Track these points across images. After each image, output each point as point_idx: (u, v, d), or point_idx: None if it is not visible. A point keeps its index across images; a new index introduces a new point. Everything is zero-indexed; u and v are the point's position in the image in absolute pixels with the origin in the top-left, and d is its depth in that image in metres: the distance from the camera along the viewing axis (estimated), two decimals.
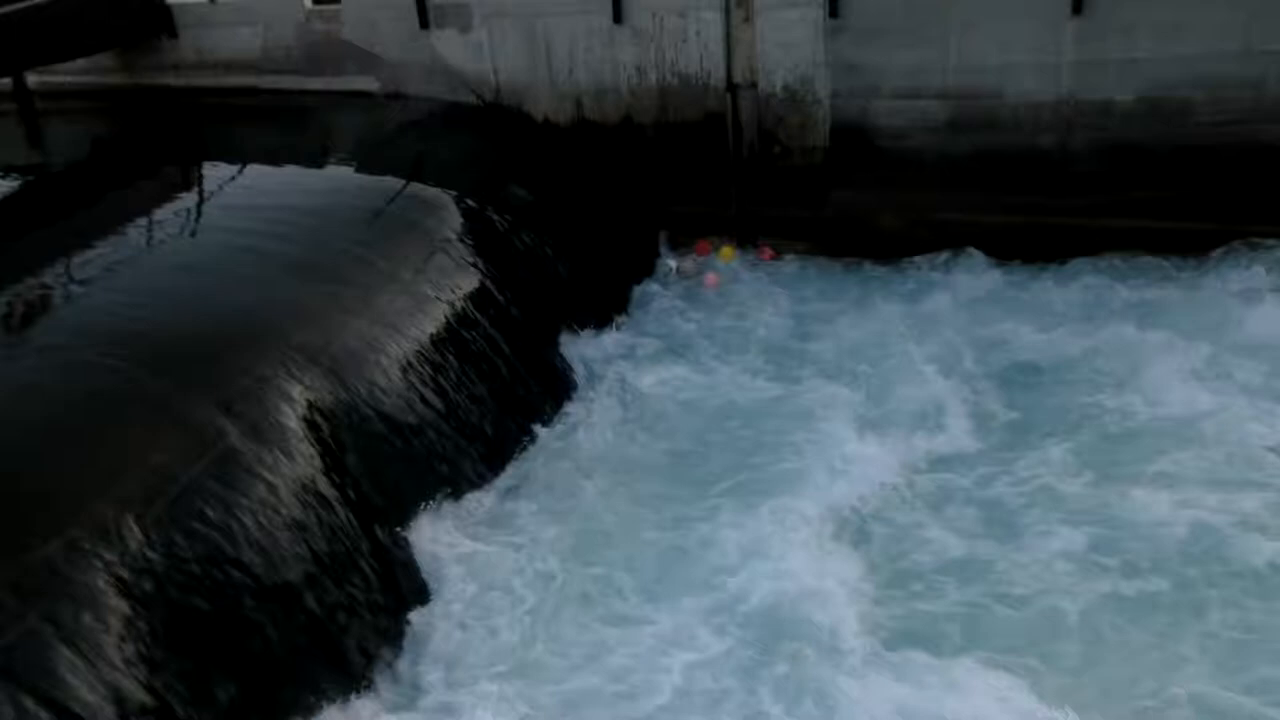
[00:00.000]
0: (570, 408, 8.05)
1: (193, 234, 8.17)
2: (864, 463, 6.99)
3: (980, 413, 7.49)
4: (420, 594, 6.32)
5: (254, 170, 9.43)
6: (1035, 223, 9.17)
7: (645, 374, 8.31)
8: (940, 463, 7.09)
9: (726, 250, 10.00)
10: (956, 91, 9.16)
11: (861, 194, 9.61)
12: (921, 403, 7.55)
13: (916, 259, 9.41)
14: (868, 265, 9.60)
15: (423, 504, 6.72)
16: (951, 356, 8.05)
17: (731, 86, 9.72)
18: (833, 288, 9.41)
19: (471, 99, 10.51)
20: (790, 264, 9.84)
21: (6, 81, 10.67)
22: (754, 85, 9.67)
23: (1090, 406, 7.35)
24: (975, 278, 9.06)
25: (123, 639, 5.13)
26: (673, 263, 9.89)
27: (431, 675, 5.85)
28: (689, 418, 7.81)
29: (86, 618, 5.01)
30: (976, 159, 9.28)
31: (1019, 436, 7.21)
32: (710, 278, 9.67)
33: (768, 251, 9.93)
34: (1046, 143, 9.07)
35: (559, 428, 7.81)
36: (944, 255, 9.29)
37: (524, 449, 7.56)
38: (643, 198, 10.17)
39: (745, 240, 10.12)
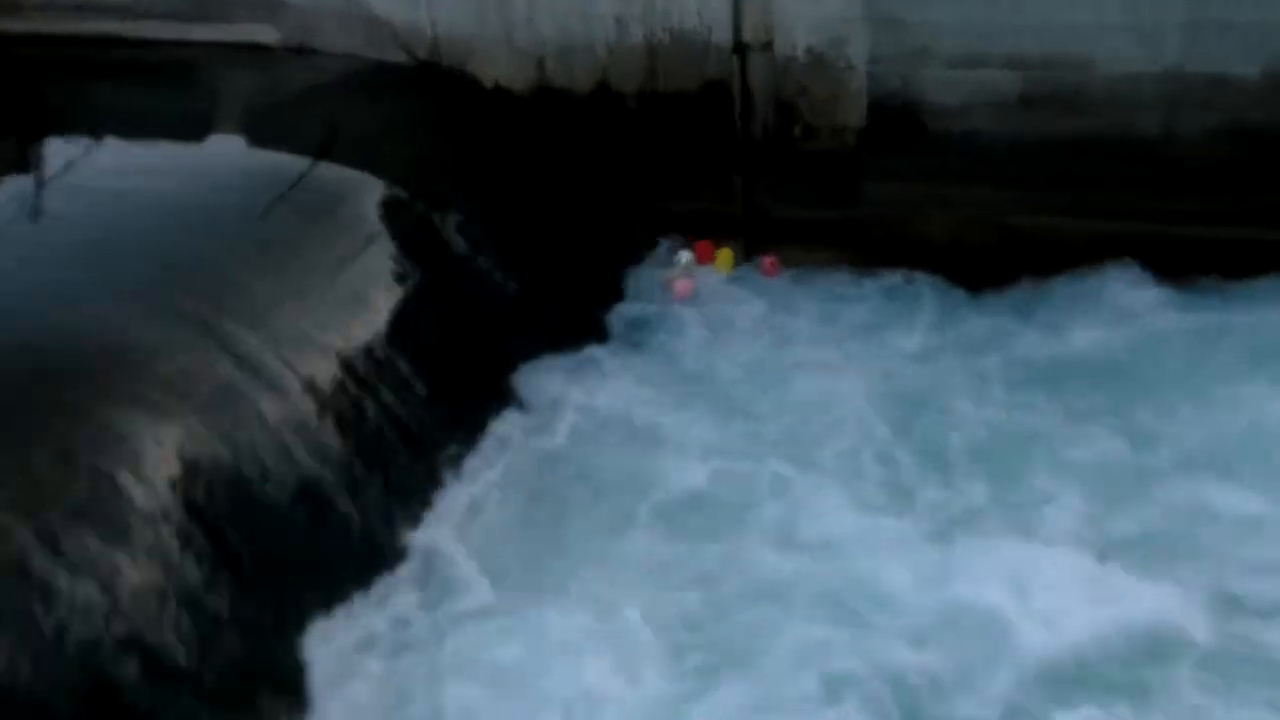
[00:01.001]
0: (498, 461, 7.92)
1: (26, 228, 8.07)
2: None
3: None
4: None
5: (114, 144, 9.23)
6: (1132, 232, 8.92)
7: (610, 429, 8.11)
8: None
9: (724, 254, 9.70)
10: (1031, 59, 8.90)
11: (905, 189, 9.38)
12: None
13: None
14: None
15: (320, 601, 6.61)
16: None
17: (740, 46, 9.46)
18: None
19: (401, 57, 10.29)
20: (808, 280, 9.59)
21: None
22: (769, 45, 9.42)
23: None
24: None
25: None
26: (686, 255, 9.68)
27: None
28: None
29: None
30: (1055, 146, 9.03)
31: None
32: (681, 285, 9.48)
33: (770, 264, 9.67)
34: (1147, 127, 8.83)
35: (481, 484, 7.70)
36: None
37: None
38: (622, 189, 10.01)
39: (754, 247, 9.80)
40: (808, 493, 7.46)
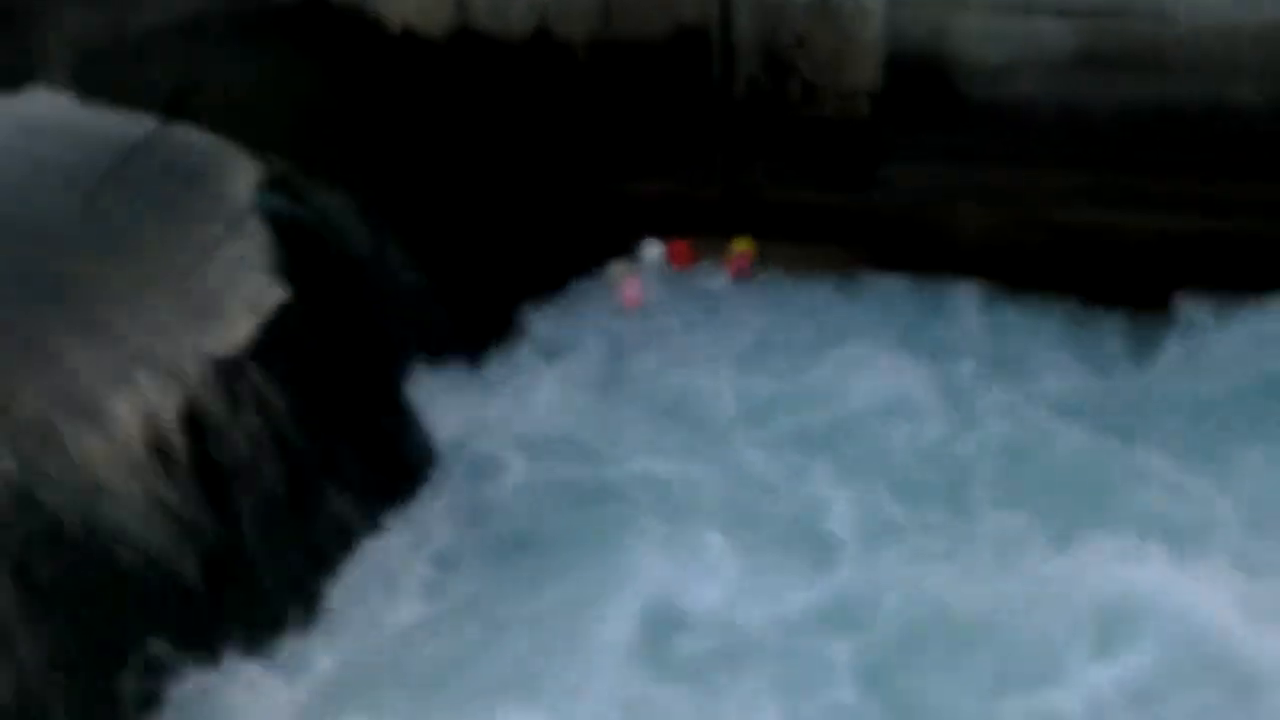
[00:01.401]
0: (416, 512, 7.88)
1: None
2: None
3: None
4: None
5: None
6: (1220, 230, 8.92)
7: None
8: None
9: (741, 244, 9.67)
10: (1093, 6, 8.96)
11: (931, 170, 9.39)
12: None
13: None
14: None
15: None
16: None
17: None
18: None
19: None
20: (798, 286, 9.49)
21: None
22: None
23: None
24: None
25: None
26: (654, 248, 9.77)
27: None
28: None
29: None
30: (1125, 119, 9.10)
31: None
32: (629, 291, 9.50)
33: (738, 260, 9.65)
34: (1242, 95, 8.90)
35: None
36: None
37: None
38: (567, 166, 9.93)
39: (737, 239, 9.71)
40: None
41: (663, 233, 9.89)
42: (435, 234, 9.08)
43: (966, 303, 9.21)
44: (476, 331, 8.99)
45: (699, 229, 9.84)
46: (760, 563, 7.54)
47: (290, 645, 7.01)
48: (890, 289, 9.42)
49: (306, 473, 7.62)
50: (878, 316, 9.21)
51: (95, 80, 9.31)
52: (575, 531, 7.71)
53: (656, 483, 7.97)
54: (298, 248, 8.26)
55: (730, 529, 7.69)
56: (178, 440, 7.10)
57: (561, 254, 9.83)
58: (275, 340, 7.74)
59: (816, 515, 7.83)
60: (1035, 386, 8.55)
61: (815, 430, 8.30)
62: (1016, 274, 9.16)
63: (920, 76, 9.36)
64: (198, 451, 7.17)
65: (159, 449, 7.01)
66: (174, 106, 8.83)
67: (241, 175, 8.44)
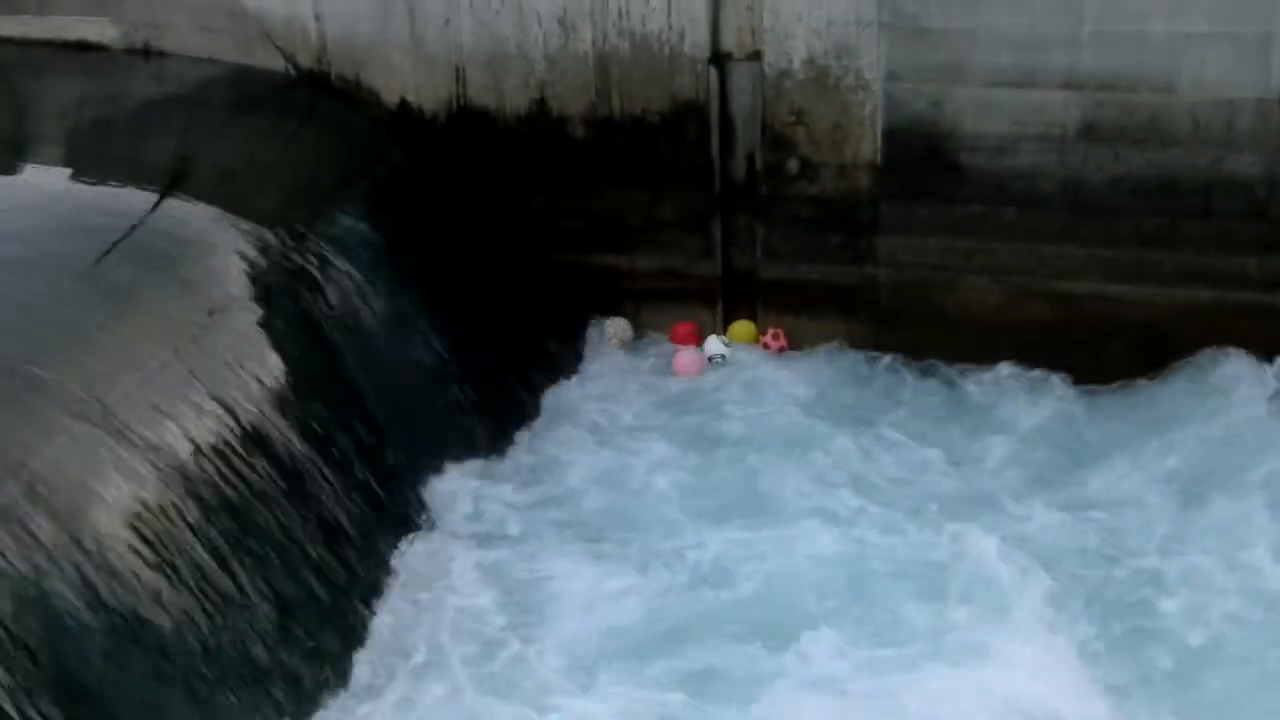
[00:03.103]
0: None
1: None
2: None
3: None
4: None
5: None
6: (1227, 304, 8.91)
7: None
8: None
9: (741, 329, 9.74)
10: (1095, 78, 8.87)
11: (931, 244, 9.39)
12: None
13: None
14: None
15: None
16: None
17: (719, 57, 9.49)
18: None
19: (279, 64, 10.26)
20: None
21: None
22: (756, 56, 9.42)
23: None
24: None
25: None
26: (617, 324, 9.83)
27: None
28: None
29: None
30: (1129, 191, 9.02)
31: None
32: (685, 360, 9.55)
33: (776, 338, 9.73)
34: (1247, 168, 8.80)
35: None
36: None
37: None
38: (562, 240, 10.01)
39: (734, 316, 9.88)
40: None
41: (655, 304, 9.91)
42: (433, 306, 9.10)
43: (972, 382, 9.25)
44: (478, 405, 8.97)
45: (697, 303, 9.88)
46: None
47: None
48: (891, 370, 9.52)
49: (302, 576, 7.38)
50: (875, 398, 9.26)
51: (93, 152, 9.44)
52: None
53: None
54: (292, 321, 8.24)
55: None
56: (160, 529, 6.95)
57: (558, 329, 9.84)
58: (267, 427, 7.72)
59: None
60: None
61: None
62: (1017, 347, 9.23)
63: (921, 150, 9.29)
64: (181, 546, 6.98)
65: (140, 542, 6.84)
66: (171, 180, 8.82)
67: (239, 248, 8.38)
